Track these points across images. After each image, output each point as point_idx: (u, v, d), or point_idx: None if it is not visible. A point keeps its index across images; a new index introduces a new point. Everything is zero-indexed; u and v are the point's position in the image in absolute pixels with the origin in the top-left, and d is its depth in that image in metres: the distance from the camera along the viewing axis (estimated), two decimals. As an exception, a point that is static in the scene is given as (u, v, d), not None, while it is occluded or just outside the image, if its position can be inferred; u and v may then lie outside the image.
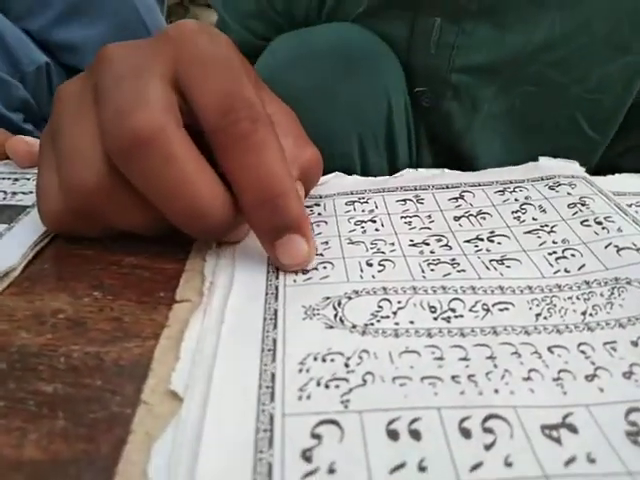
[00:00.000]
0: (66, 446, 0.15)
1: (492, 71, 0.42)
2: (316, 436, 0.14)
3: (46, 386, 0.16)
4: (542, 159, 0.29)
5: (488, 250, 0.22)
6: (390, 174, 0.41)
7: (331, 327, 0.18)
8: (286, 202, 0.19)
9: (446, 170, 0.29)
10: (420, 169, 0.29)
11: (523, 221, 0.24)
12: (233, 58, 0.21)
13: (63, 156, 0.21)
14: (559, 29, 0.40)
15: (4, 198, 0.27)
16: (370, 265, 0.21)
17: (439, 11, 0.40)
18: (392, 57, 0.42)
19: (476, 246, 0.22)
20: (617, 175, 0.29)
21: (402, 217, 0.24)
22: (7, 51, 0.47)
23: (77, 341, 0.18)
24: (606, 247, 0.21)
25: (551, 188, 0.26)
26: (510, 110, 0.44)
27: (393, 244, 0.22)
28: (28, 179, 0.29)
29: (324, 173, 0.37)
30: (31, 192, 0.27)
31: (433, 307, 0.19)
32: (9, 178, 0.29)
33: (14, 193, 0.27)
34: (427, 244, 0.22)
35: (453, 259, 0.21)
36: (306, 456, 0.13)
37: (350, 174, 0.40)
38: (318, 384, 0.15)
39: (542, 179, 0.27)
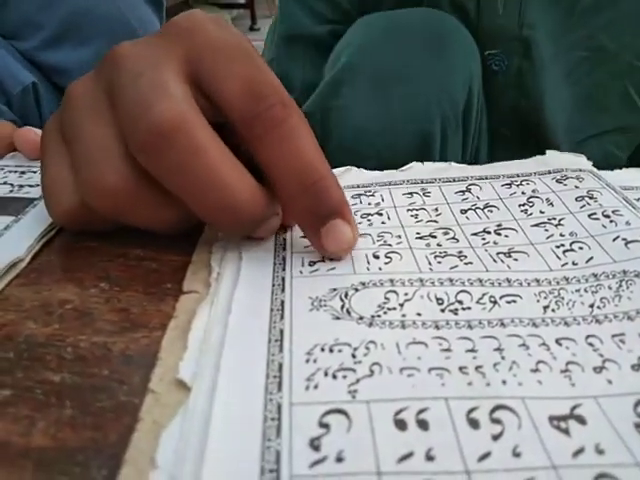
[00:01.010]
0: (74, 434, 0.15)
1: (551, 31, 0.45)
2: (324, 425, 0.14)
3: (53, 375, 0.17)
4: (549, 152, 0.29)
5: (495, 243, 0.22)
6: (462, 156, 0.41)
7: (338, 318, 0.18)
8: (327, 186, 0.19)
9: (453, 164, 0.29)
10: (427, 163, 0.29)
11: (530, 214, 0.24)
12: (247, 44, 0.20)
13: (82, 158, 0.20)
14: None
15: (11, 191, 0.27)
16: (377, 257, 0.21)
17: None
18: (472, 42, 0.44)
19: (483, 239, 0.22)
20: (624, 169, 0.29)
21: (409, 210, 0.24)
22: None
23: (84, 331, 0.18)
24: (614, 240, 0.21)
25: (558, 181, 0.26)
26: (568, 75, 0.46)
27: (400, 237, 0.22)
28: (35, 172, 0.29)
29: (404, 150, 0.39)
30: (37, 185, 0.27)
31: (440, 299, 0.19)
32: (16, 171, 0.29)
33: (21, 186, 0.28)
34: (434, 237, 0.22)
35: (460, 252, 0.21)
36: (314, 445, 0.13)
37: (429, 152, 0.42)
38: (325, 374, 0.15)
39: (549, 172, 0.27)
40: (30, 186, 0.27)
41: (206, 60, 0.19)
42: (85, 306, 0.19)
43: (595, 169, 0.27)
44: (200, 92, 0.20)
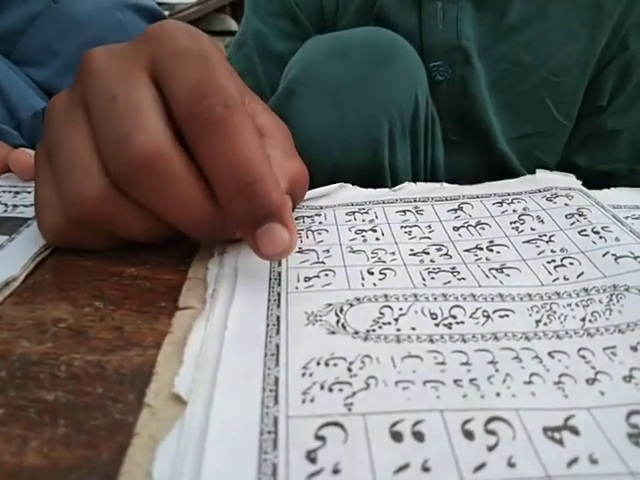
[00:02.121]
0: (67, 453, 0.15)
1: (480, 45, 0.50)
2: (320, 438, 0.14)
3: (47, 394, 0.16)
4: (539, 172, 0.29)
5: (488, 259, 0.22)
6: (412, 162, 0.45)
7: (333, 333, 0.18)
8: (264, 188, 0.19)
9: (445, 184, 0.29)
10: (419, 183, 0.29)
11: (522, 231, 0.24)
12: (210, 51, 0.21)
13: (62, 170, 0.21)
14: (524, 13, 0.49)
15: (5, 210, 0.27)
16: (371, 273, 0.21)
17: None
18: (416, 55, 0.48)
19: (476, 255, 0.22)
20: (613, 189, 0.30)
21: (402, 227, 0.25)
22: (4, 98, 0.47)
23: (78, 350, 0.18)
24: (604, 255, 0.22)
25: (549, 199, 0.26)
26: (493, 84, 0.51)
27: (394, 253, 0.22)
28: (29, 192, 0.29)
29: (356, 156, 0.41)
30: (32, 205, 0.27)
31: (434, 314, 0.19)
32: (10, 191, 0.29)
33: (15, 206, 0.28)
34: (427, 253, 0.23)
35: (453, 268, 0.21)
36: (311, 457, 0.13)
37: (379, 159, 0.45)
38: (322, 388, 0.15)
39: (540, 191, 0.27)
40: (24, 206, 0.27)
41: (166, 61, 0.20)
42: (79, 324, 0.19)
43: (584, 188, 0.28)
44: (161, 91, 0.20)
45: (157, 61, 0.20)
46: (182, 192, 0.20)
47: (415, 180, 0.47)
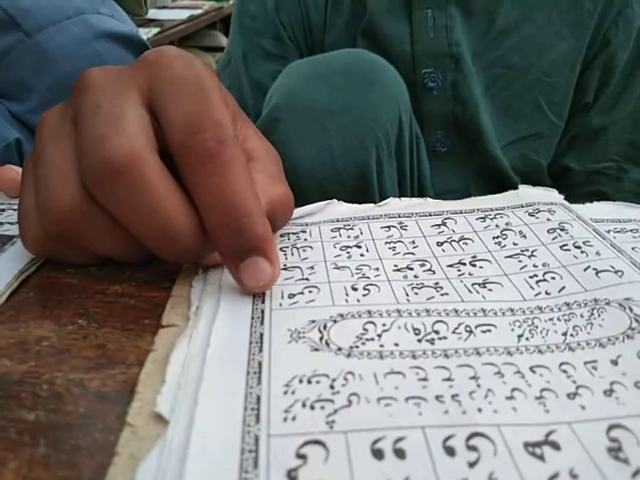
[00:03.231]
0: (47, 473, 0.14)
1: (472, 51, 0.52)
2: (301, 456, 0.14)
3: (28, 413, 0.16)
4: (522, 187, 0.29)
5: (470, 274, 0.22)
6: (399, 182, 0.46)
7: (316, 350, 0.18)
8: (250, 224, 0.19)
9: (429, 199, 0.29)
10: (403, 198, 0.30)
11: (504, 246, 0.24)
12: (207, 81, 0.21)
13: (40, 179, 0.21)
14: (512, 18, 0.52)
15: (-10, 228, 0.27)
16: (355, 289, 0.21)
17: (429, 4, 0.51)
18: (396, 74, 0.48)
19: (459, 270, 0.23)
20: (595, 203, 0.30)
21: (386, 243, 0.25)
22: None
23: (60, 368, 0.18)
24: (585, 270, 0.22)
25: (531, 215, 0.27)
26: (488, 89, 0.53)
27: (378, 269, 0.23)
28: (15, 210, 0.29)
29: (345, 180, 0.41)
30: (17, 222, 0.27)
31: (417, 329, 0.19)
32: (-4, 209, 0.29)
33: (1, 223, 0.27)
34: (411, 269, 0.23)
35: (436, 283, 0.22)
36: (291, 476, 0.13)
37: (367, 182, 0.45)
38: (303, 405, 0.15)
39: (522, 206, 0.28)
40: (10, 223, 0.27)
41: (162, 90, 0.20)
42: (62, 343, 0.19)
43: (566, 202, 0.28)
44: (156, 119, 0.20)
45: (153, 88, 0.20)
46: (152, 203, 0.19)
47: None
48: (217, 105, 0.20)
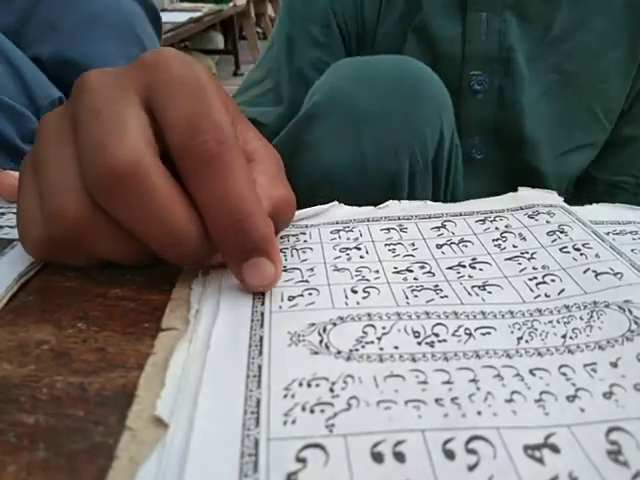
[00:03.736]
0: (46, 477, 0.14)
1: (527, 56, 0.52)
2: (301, 460, 0.14)
3: (27, 417, 0.16)
4: (521, 189, 0.29)
5: (470, 276, 0.22)
6: (433, 192, 0.47)
7: (316, 353, 0.18)
8: (252, 225, 0.19)
9: (428, 202, 0.30)
10: (403, 201, 0.30)
11: (504, 248, 0.24)
12: (206, 83, 0.21)
13: (44, 185, 0.21)
14: (568, 24, 0.51)
15: (-10, 231, 0.27)
16: (355, 292, 0.21)
17: (484, 7, 0.52)
18: (442, 86, 0.48)
19: (458, 273, 0.23)
20: (594, 205, 0.30)
21: (386, 245, 0.25)
22: (24, 84, 0.48)
23: (60, 372, 0.18)
24: (585, 272, 0.22)
25: (530, 217, 0.27)
26: (544, 94, 0.53)
27: (377, 271, 0.23)
28: (14, 213, 0.29)
29: (374, 187, 0.41)
30: (16, 226, 0.27)
31: (417, 332, 0.19)
32: (-5, 212, 0.29)
33: (0, 227, 0.28)
34: (411, 271, 0.23)
35: (436, 285, 0.22)
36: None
37: (398, 191, 0.45)
38: (303, 409, 0.15)
39: (522, 208, 0.28)
40: (9, 227, 0.27)
41: (160, 92, 0.20)
42: (62, 346, 0.19)
43: (566, 205, 0.28)
44: (155, 121, 0.20)
45: (151, 89, 0.20)
46: (158, 209, 0.19)
47: None
48: (216, 106, 0.20)
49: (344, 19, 0.56)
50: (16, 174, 0.31)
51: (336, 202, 0.29)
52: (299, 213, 0.27)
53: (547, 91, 0.53)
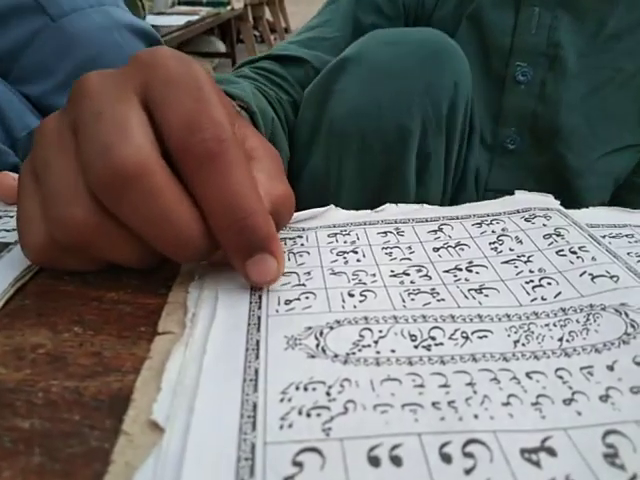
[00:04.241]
0: (41, 482, 0.14)
1: (579, 51, 0.53)
2: (298, 464, 0.14)
3: (22, 422, 0.16)
4: (518, 192, 0.30)
5: (467, 280, 0.22)
6: (446, 160, 0.50)
7: (313, 357, 0.18)
8: (254, 222, 0.20)
9: (425, 205, 0.30)
10: (400, 204, 0.30)
11: (500, 252, 0.24)
12: (203, 81, 0.21)
13: (48, 191, 0.21)
14: (625, 21, 0.53)
15: (-14, 235, 0.27)
16: (352, 295, 0.21)
17: (537, 2, 0.54)
18: (465, 60, 0.51)
19: (455, 276, 0.23)
20: (591, 208, 0.30)
21: (383, 248, 0.25)
22: (1, 116, 0.47)
23: (56, 376, 0.18)
24: (581, 275, 0.22)
25: (527, 220, 0.27)
26: (595, 91, 0.54)
27: (374, 275, 0.23)
28: (11, 217, 0.29)
29: (385, 138, 0.46)
30: (14, 229, 0.27)
31: (414, 335, 0.19)
32: (-8, 216, 0.29)
33: (-4, 230, 0.27)
34: (407, 274, 0.23)
35: (433, 289, 0.22)
36: (287, 484, 0.13)
37: (408, 147, 0.48)
38: (300, 413, 0.15)
39: (518, 212, 0.28)
40: (6, 230, 0.27)
41: (158, 90, 0.20)
42: (58, 350, 0.19)
43: (562, 208, 0.28)
44: (153, 119, 0.20)
45: (149, 88, 0.20)
46: (165, 209, 0.19)
47: (445, 181, 0.50)
48: (215, 103, 0.20)
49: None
50: (15, 175, 0.31)
51: (332, 206, 0.29)
52: (296, 215, 0.27)
53: (599, 87, 0.54)
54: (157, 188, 0.19)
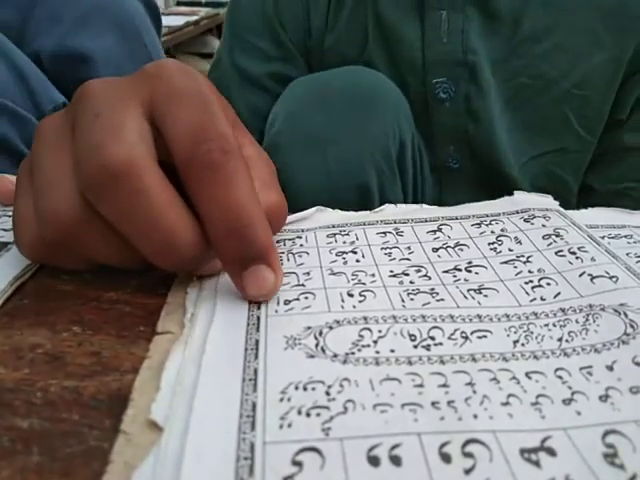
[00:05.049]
0: (40, 482, 0.14)
1: (492, 59, 0.47)
2: (297, 463, 0.14)
3: (21, 421, 0.16)
4: (517, 193, 0.30)
5: (466, 280, 0.22)
6: (404, 200, 0.46)
7: (312, 356, 0.18)
8: (253, 232, 0.19)
9: (424, 205, 0.30)
10: (399, 204, 0.30)
11: (499, 252, 0.24)
12: (208, 94, 0.21)
13: (39, 187, 0.21)
14: (542, 22, 0.46)
15: (-16, 235, 0.27)
16: (351, 295, 0.21)
17: (444, 4, 0.47)
18: (398, 92, 0.47)
19: (454, 276, 0.23)
20: (590, 209, 0.30)
21: (382, 248, 0.25)
22: (28, 88, 0.47)
23: (55, 375, 0.18)
24: (580, 275, 0.22)
25: (526, 220, 0.27)
26: (510, 101, 0.48)
27: (374, 275, 0.23)
28: (9, 216, 0.29)
29: (346, 204, 0.39)
30: (11, 229, 0.27)
31: (413, 335, 0.19)
32: (-10, 215, 0.29)
33: (-5, 230, 0.27)
34: (407, 274, 0.23)
35: (432, 289, 0.22)
36: (286, 484, 0.13)
37: (370, 204, 0.44)
38: (299, 412, 0.15)
39: (517, 212, 0.28)
40: (4, 230, 0.27)
41: (163, 103, 0.20)
42: (57, 350, 0.19)
43: (561, 208, 0.28)
44: (158, 132, 0.21)
45: (154, 101, 0.21)
46: (150, 210, 0.19)
47: None
48: (219, 117, 0.20)
49: (291, 31, 0.53)
50: (13, 178, 0.31)
51: (320, 206, 0.29)
52: (291, 217, 0.27)
53: (513, 97, 0.48)
54: (145, 189, 0.19)
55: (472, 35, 0.47)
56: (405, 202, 0.48)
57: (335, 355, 0.18)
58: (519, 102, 0.49)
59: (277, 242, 0.26)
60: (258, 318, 0.20)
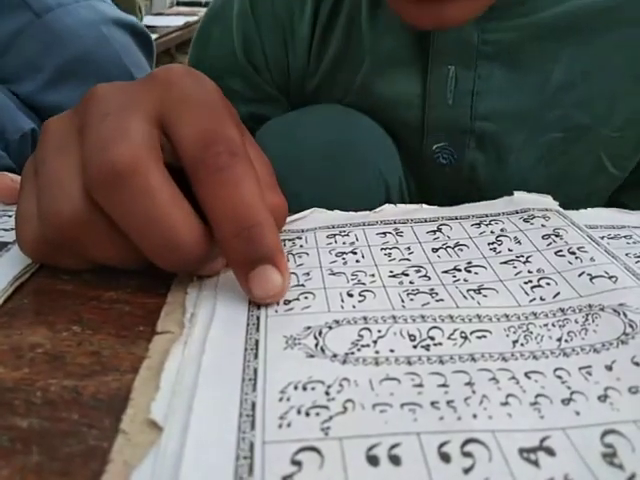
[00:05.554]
0: (39, 481, 0.14)
1: (517, 118, 0.40)
2: (296, 463, 0.14)
3: (21, 421, 0.16)
4: (517, 193, 0.30)
5: (466, 280, 0.22)
6: None
7: (312, 356, 0.18)
8: (260, 233, 0.20)
9: (424, 205, 0.30)
10: (399, 204, 0.30)
11: (499, 252, 0.24)
12: (217, 99, 0.21)
13: (43, 186, 0.21)
14: (578, 66, 0.38)
15: (-16, 234, 0.27)
16: (351, 296, 0.21)
17: (453, 58, 0.38)
18: (383, 135, 0.41)
19: (454, 276, 0.23)
20: (589, 209, 0.30)
21: (382, 249, 0.25)
22: None
23: (55, 375, 0.18)
24: (579, 275, 0.22)
25: (526, 220, 0.27)
26: (539, 161, 0.41)
27: (373, 275, 0.23)
28: (10, 216, 0.29)
29: None
30: (12, 229, 0.27)
31: (412, 335, 0.19)
32: (-10, 215, 0.29)
33: (-5, 230, 0.27)
34: (406, 275, 0.23)
35: (432, 289, 0.22)
36: (286, 483, 0.13)
37: None
38: (299, 412, 0.15)
39: (517, 212, 0.28)
40: (4, 230, 0.27)
41: (173, 108, 0.21)
42: (56, 350, 0.19)
43: (561, 209, 0.28)
44: (166, 135, 0.21)
45: (164, 106, 0.21)
46: (154, 210, 0.19)
47: None
48: (228, 122, 0.21)
49: (269, 76, 0.46)
50: (13, 176, 0.31)
51: (316, 208, 0.29)
52: (291, 217, 0.27)
53: (546, 154, 0.41)
54: (150, 188, 0.19)
55: (486, 97, 0.39)
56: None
57: (335, 355, 0.18)
58: (552, 157, 0.41)
59: (277, 242, 0.26)
60: (258, 318, 0.20)
